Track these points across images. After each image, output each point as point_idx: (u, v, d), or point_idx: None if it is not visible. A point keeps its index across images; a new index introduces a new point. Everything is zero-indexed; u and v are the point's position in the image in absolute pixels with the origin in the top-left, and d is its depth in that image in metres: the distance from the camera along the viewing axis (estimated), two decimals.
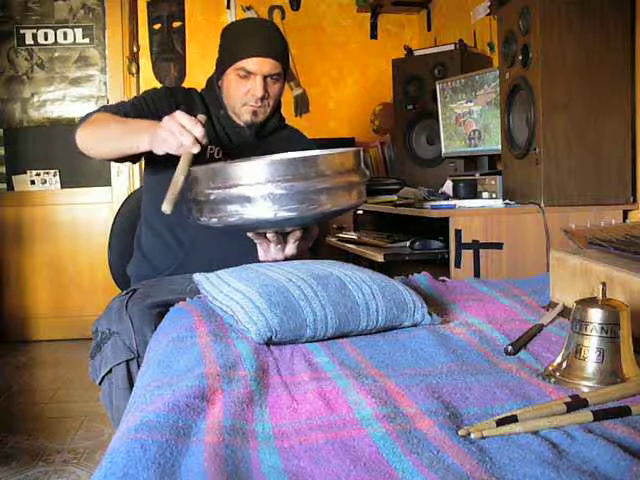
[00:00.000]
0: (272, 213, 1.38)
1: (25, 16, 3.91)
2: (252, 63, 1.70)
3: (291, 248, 1.55)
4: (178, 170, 1.40)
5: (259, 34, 1.72)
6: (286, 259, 1.56)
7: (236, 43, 1.72)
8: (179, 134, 1.41)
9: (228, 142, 1.80)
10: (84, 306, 3.84)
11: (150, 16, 3.86)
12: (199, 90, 1.86)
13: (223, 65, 1.76)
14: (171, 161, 1.72)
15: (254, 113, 1.75)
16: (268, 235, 1.50)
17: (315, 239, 1.68)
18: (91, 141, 1.66)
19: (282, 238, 1.54)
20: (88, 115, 1.70)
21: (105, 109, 1.74)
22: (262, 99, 1.72)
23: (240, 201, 1.39)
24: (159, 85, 3.71)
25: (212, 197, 1.41)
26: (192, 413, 0.82)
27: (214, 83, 1.81)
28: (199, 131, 1.42)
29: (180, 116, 1.43)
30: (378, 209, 2.64)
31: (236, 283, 1.25)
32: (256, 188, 1.37)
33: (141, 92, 1.87)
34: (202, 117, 1.49)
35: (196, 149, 1.41)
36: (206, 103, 1.81)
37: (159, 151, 1.47)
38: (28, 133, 3.94)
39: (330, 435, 0.77)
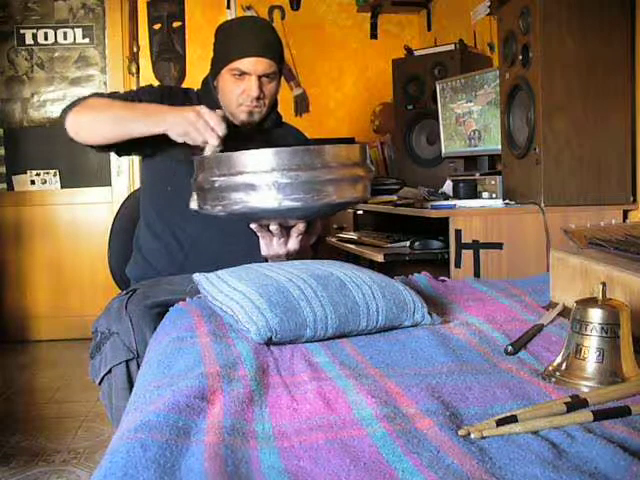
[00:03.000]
0: (276, 202, 1.38)
1: (25, 16, 3.91)
2: (246, 63, 1.69)
3: (294, 242, 1.54)
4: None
5: (252, 33, 1.71)
6: (288, 254, 1.56)
7: (229, 43, 1.71)
8: (204, 130, 1.50)
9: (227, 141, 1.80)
10: (84, 306, 3.83)
11: (150, 16, 3.86)
12: (196, 90, 1.86)
13: (217, 65, 1.75)
14: (170, 162, 1.73)
15: (250, 113, 1.74)
16: (271, 227, 1.50)
17: (318, 235, 1.68)
18: (87, 122, 1.67)
19: (285, 232, 1.53)
20: (79, 100, 1.71)
21: (97, 95, 1.75)
22: (258, 99, 1.72)
23: (245, 189, 1.39)
24: (157, 85, 3.71)
25: (217, 184, 1.41)
26: (192, 413, 0.82)
27: (210, 83, 1.81)
28: (223, 129, 1.52)
29: (205, 113, 1.52)
30: (378, 209, 2.64)
31: (236, 283, 1.25)
32: (261, 176, 1.37)
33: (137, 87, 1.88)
34: (220, 112, 1.58)
35: (220, 147, 1.52)
36: (202, 103, 1.81)
37: (177, 139, 1.55)
38: (28, 133, 3.94)
39: (330, 435, 0.77)
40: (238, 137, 1.79)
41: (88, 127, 1.67)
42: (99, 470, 0.70)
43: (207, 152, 1.51)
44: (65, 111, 1.68)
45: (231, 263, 1.45)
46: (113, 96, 1.74)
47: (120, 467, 0.69)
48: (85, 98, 1.71)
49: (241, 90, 1.71)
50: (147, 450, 0.71)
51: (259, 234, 1.54)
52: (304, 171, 1.36)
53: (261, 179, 1.37)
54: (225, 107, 1.75)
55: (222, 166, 1.41)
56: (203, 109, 1.53)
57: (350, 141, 3.71)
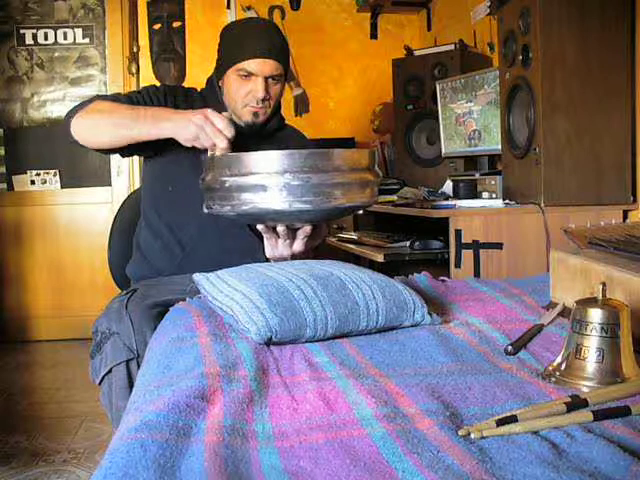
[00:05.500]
0: (287, 204, 1.38)
1: (25, 16, 3.91)
2: (253, 64, 1.69)
3: (299, 244, 1.54)
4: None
5: (260, 35, 1.71)
6: (293, 256, 1.56)
7: (237, 44, 1.71)
8: (213, 135, 1.50)
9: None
10: (84, 306, 3.83)
11: (150, 16, 3.86)
12: (199, 89, 1.86)
13: (223, 66, 1.75)
14: (172, 162, 1.73)
15: (255, 114, 1.74)
16: (278, 229, 1.50)
17: (322, 239, 1.68)
18: (92, 127, 1.65)
19: (291, 234, 1.53)
20: (83, 103, 1.69)
21: (100, 98, 1.73)
22: (263, 100, 1.72)
23: (256, 190, 1.39)
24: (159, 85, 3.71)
25: (227, 184, 1.42)
26: (192, 413, 0.82)
27: (214, 83, 1.81)
28: (232, 132, 1.51)
29: (213, 116, 1.52)
30: (378, 209, 2.64)
31: (236, 283, 1.25)
32: (273, 178, 1.37)
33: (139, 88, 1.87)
34: (227, 114, 1.58)
35: (229, 150, 1.51)
36: (207, 103, 1.80)
37: (186, 144, 1.55)
38: (28, 133, 3.94)
39: (330, 435, 0.77)
40: (241, 139, 1.79)
41: (93, 131, 1.66)
42: (99, 470, 0.70)
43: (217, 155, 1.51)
44: (69, 115, 1.67)
45: (231, 263, 1.45)
46: (117, 99, 1.72)
47: (120, 467, 0.69)
48: (89, 101, 1.69)
49: (247, 91, 1.71)
50: (147, 450, 0.71)
51: (265, 235, 1.54)
52: (315, 174, 1.37)
53: (272, 180, 1.37)
54: (230, 107, 1.75)
55: (233, 166, 1.41)
56: (210, 112, 1.52)
57: (350, 141, 3.71)
